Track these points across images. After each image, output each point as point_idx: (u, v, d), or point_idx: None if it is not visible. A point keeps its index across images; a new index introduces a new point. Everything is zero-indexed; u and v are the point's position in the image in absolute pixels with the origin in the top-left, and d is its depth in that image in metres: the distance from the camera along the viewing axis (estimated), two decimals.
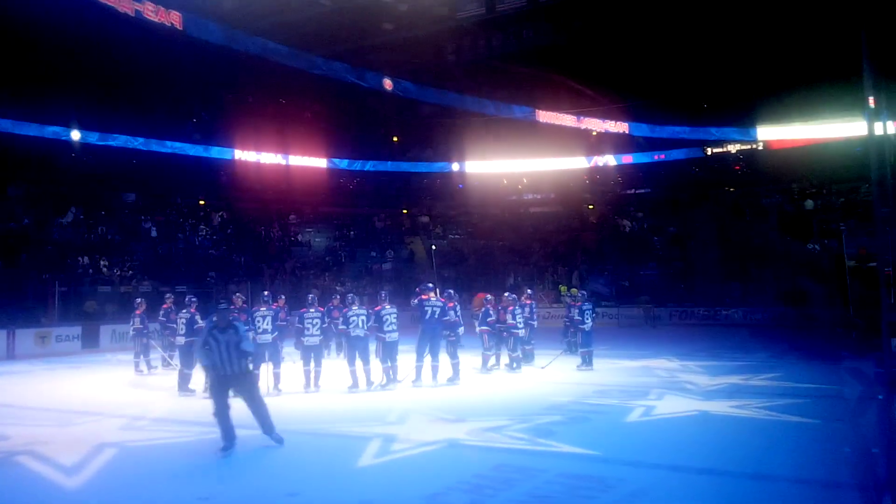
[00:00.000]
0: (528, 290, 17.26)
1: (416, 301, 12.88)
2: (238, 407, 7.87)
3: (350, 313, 12.08)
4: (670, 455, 7.66)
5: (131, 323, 15.48)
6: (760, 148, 37.41)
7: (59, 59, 28.09)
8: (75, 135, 31.30)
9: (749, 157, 38.61)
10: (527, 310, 15.63)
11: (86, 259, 27.23)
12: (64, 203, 30.78)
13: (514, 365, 14.42)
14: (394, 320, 12.27)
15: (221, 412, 7.65)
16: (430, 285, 13.12)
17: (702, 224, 35.09)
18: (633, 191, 41.79)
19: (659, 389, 11.96)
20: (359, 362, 12.01)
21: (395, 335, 12.24)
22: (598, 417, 9.67)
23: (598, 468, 7.03)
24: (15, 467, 7.30)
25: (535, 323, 16.34)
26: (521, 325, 14.48)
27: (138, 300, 15.99)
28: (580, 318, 14.94)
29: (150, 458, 7.82)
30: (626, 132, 35.59)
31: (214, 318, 7.96)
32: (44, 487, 6.63)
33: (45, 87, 29.84)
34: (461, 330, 13.47)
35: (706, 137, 36.64)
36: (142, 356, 15.38)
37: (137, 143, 32.99)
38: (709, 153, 39.02)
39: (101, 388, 13.33)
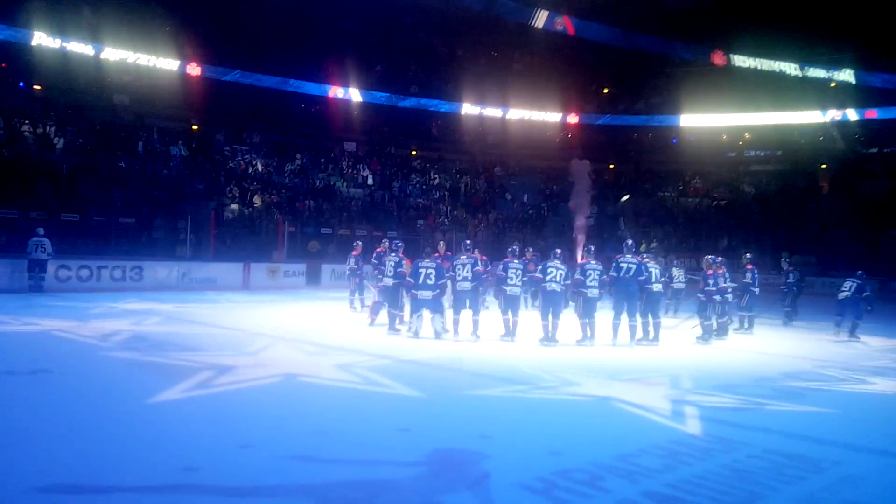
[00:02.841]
0: (748, 255, 16.08)
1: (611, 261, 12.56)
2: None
3: (548, 265, 12.08)
4: (891, 440, 6.94)
5: (347, 263, 16.73)
6: None
7: (291, 17, 30.52)
8: (307, 87, 33.98)
9: None
10: (748, 275, 14.77)
11: (311, 203, 29.69)
12: (293, 150, 33.70)
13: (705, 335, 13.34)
14: (596, 276, 12.07)
15: None
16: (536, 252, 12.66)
17: None
18: (876, 149, 37.12)
19: (886, 369, 10.82)
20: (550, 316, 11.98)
21: (595, 291, 12.06)
22: (813, 393, 8.90)
23: (808, 447, 6.48)
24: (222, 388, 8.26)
25: (757, 290, 15.28)
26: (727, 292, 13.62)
27: (356, 242, 17.17)
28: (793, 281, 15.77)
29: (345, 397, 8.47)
30: (853, 81, 31.43)
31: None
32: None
33: (281, 44, 32.63)
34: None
35: None
36: (356, 294, 16.56)
37: (358, 94, 35.08)
38: None
39: (320, 321, 14.57)
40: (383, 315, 13.30)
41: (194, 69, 31.46)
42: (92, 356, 9.61)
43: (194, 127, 33.00)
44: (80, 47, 29.03)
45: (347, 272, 16.88)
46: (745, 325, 14.97)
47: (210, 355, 9.76)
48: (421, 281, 11.92)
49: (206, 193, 27.52)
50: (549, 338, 11.84)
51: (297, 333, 12.53)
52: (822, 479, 5.62)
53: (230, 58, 32.27)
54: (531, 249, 14.78)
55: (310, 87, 34.52)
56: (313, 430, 6.38)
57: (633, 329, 12.33)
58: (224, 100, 33.08)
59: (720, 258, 14.33)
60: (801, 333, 15.46)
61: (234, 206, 27.44)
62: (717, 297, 13.37)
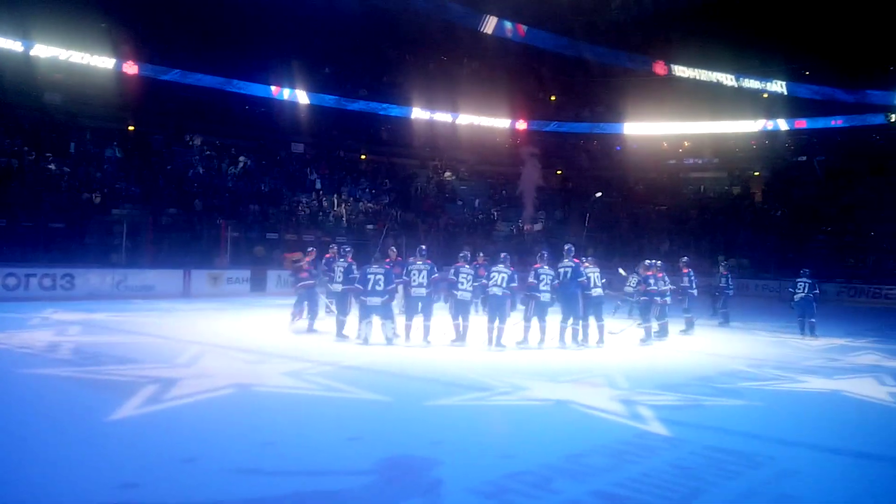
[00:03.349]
0: (685, 259, 16.56)
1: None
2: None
3: (492, 270, 12.23)
4: (823, 435, 7.25)
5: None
6: None
7: (235, 16, 30.08)
8: (250, 88, 33.46)
9: None
10: (685, 279, 15.24)
11: (255, 207, 29.25)
12: (236, 153, 33.14)
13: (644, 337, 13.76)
14: (549, 281, 12.25)
15: None
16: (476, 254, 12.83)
17: (879, 196, 32.03)
18: (805, 158, 38.71)
19: (817, 367, 11.28)
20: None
21: (547, 295, 12.23)
22: (750, 392, 9.23)
23: (746, 443, 6.73)
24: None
25: (695, 292, 15.80)
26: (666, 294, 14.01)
27: (310, 249, 16.75)
28: (724, 285, 16.75)
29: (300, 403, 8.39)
30: (784, 92, 32.85)
31: None
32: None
33: (224, 43, 32.08)
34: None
35: (872, 102, 33.08)
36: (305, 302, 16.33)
37: (305, 96, 34.73)
38: (893, 120, 35.21)
39: (265, 330, 14.35)
40: (320, 321, 13.24)
41: (131, 67, 30.60)
42: (22, 371, 9.10)
43: (130, 128, 32.06)
44: (8, 44, 27.88)
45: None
46: (685, 327, 15.40)
47: (151, 368, 9.45)
48: (370, 287, 11.86)
49: (143, 197, 26.77)
50: (494, 342, 11.95)
51: (242, 342, 12.29)
52: (759, 473, 5.85)
53: (170, 56, 31.52)
54: (482, 254, 14.91)
55: (254, 88, 34.01)
56: (260, 442, 6.26)
57: (574, 331, 12.54)
58: (163, 100, 32.26)
59: (659, 262, 14.72)
60: (738, 334, 15.96)
61: (174, 211, 26.77)
62: (658, 300, 13.73)
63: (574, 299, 12.44)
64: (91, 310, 16.25)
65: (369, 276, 11.89)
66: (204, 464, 5.62)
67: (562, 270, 12.49)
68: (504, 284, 12.04)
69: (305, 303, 13.86)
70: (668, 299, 14.08)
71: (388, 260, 13.19)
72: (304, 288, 13.83)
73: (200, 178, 30.23)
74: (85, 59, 29.36)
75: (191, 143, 32.64)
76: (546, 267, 12.43)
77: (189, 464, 5.60)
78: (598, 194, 33.35)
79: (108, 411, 7.00)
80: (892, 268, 28.29)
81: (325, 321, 14.34)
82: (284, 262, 13.91)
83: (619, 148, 42.19)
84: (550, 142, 42.10)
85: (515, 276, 12.26)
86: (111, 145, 29.48)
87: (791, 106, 35.95)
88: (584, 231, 24.46)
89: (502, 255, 12.88)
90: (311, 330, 13.48)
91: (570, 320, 12.48)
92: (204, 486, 5.13)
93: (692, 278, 15.60)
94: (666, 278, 14.32)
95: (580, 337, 12.56)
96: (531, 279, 12.34)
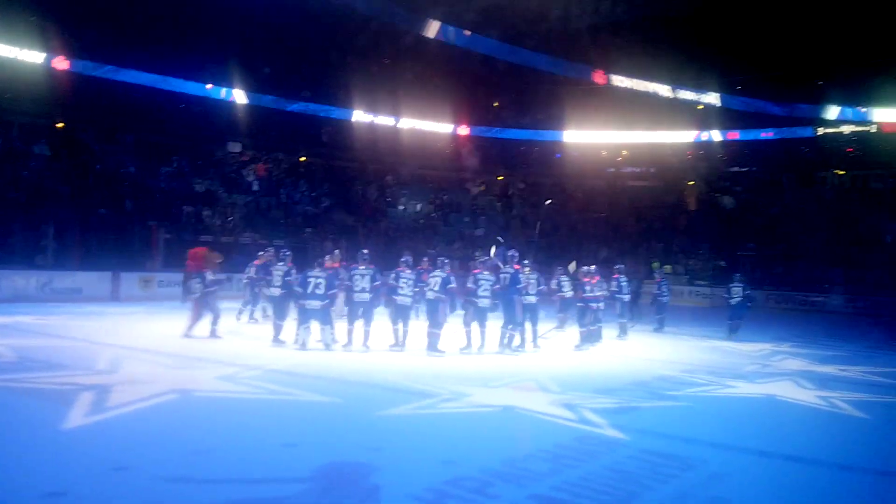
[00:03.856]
0: (618, 266, 16.88)
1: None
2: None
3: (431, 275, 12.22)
4: (753, 439, 7.45)
5: (247, 272, 16.06)
6: (874, 130, 35.00)
7: (171, 13, 29.32)
8: (185, 86, 32.67)
9: (862, 140, 36.22)
10: (614, 284, 15.49)
11: (189, 208, 28.50)
12: (170, 152, 32.26)
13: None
14: (488, 286, 12.27)
15: None
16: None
17: (807, 206, 33.43)
18: (736, 168, 40.11)
19: (748, 372, 11.63)
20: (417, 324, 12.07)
21: (486, 301, 12.27)
22: (683, 396, 9.45)
23: (680, 447, 6.89)
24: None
25: (627, 297, 16.08)
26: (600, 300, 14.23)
27: (260, 252, 16.29)
28: (658, 292, 17.36)
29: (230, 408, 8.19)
30: (718, 104, 34.04)
31: None
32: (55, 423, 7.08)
33: (159, 40, 31.23)
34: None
35: (801, 115, 34.61)
36: (249, 305, 15.97)
37: (241, 96, 34.10)
38: (820, 133, 36.79)
39: (199, 335, 13.87)
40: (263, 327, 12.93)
41: (62, 63, 29.42)
42: None
43: (60, 125, 30.86)
44: None
45: (245, 281, 16.21)
46: (619, 332, 15.66)
47: (82, 374, 9.11)
48: (309, 291, 11.69)
49: (72, 196, 25.77)
50: (433, 347, 11.93)
51: (175, 347, 11.89)
52: (693, 476, 5.98)
53: (103, 52, 30.43)
54: (427, 259, 14.86)
55: (190, 87, 33.14)
56: (194, 450, 6.10)
57: (511, 336, 12.63)
58: (94, 97, 31.10)
59: (594, 267, 15.01)
60: (672, 340, 16.34)
61: (104, 211, 25.83)
62: (594, 305, 13.94)
63: (512, 305, 12.52)
64: (15, 313, 15.50)
65: (310, 280, 11.71)
66: (135, 472, 5.45)
67: (502, 276, 12.58)
68: (438, 288, 12.04)
69: (204, 310, 12.99)
70: (601, 305, 14.28)
71: (329, 264, 13.05)
72: (209, 294, 12.97)
73: (132, 177, 29.30)
74: (13, 53, 28.13)
75: (123, 141, 31.62)
76: (486, 273, 12.48)
77: (120, 472, 5.43)
78: (548, 202, 33.78)
79: (38, 421, 6.74)
80: (818, 276, 29.45)
81: (260, 327, 14.06)
82: (200, 263, 13.28)
83: (559, 155, 42.80)
84: (492, 148, 42.43)
85: (452, 279, 12.26)
86: (39, 142, 28.30)
87: (724, 118, 37.12)
88: (536, 236, 24.80)
89: (439, 259, 12.94)
90: (213, 335, 12.87)
91: (510, 326, 12.56)
92: (133, 494, 4.96)
93: (622, 284, 15.87)
94: (602, 284, 14.58)
95: (517, 342, 12.65)
96: (470, 284, 12.37)
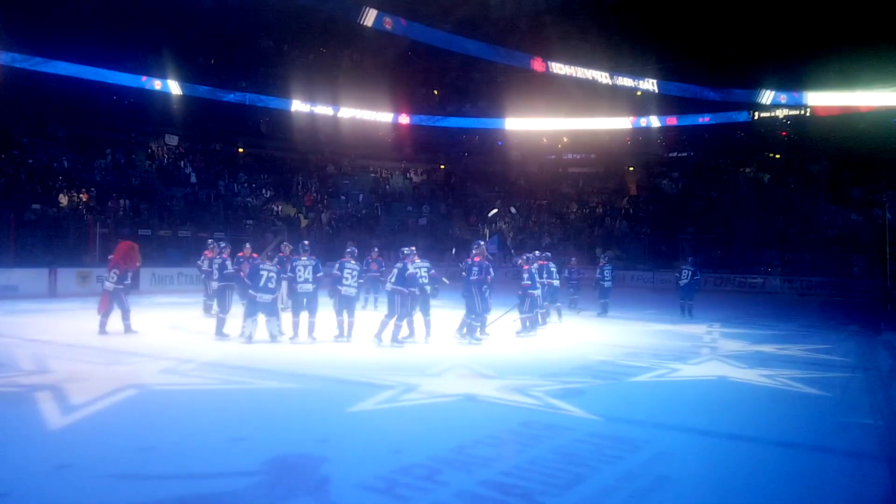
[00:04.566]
0: (536, 253, 16.98)
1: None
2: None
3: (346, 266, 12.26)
4: (697, 419, 7.64)
5: (200, 265, 15.73)
6: (808, 114, 36.28)
7: (102, 2, 28.32)
8: (118, 77, 31.64)
9: (796, 124, 37.51)
10: (544, 272, 15.53)
11: (126, 202, 27.70)
12: (104, 145, 31.26)
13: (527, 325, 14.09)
14: (425, 273, 12.30)
15: None
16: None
17: (743, 189, 34.44)
18: (675, 154, 41.09)
19: (689, 354, 11.92)
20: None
21: (426, 288, 12.29)
22: (627, 379, 9.66)
23: (625, 429, 7.04)
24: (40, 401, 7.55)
25: (557, 282, 16.13)
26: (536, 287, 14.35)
27: (210, 243, 15.88)
28: (601, 276, 17.77)
29: (179, 401, 8.03)
30: (656, 90, 34.72)
31: None
32: (42, 425, 6.88)
33: (90, 30, 30.15)
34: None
35: (737, 100, 35.64)
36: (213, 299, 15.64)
37: (176, 87, 33.22)
38: (756, 117, 37.92)
39: (140, 330, 13.51)
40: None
41: None
42: None
43: None
44: None
45: (203, 276, 15.82)
46: (555, 317, 15.86)
47: (16, 374, 8.84)
48: (262, 284, 11.57)
49: (4, 192, 24.78)
50: (390, 338, 11.92)
51: (116, 343, 11.63)
52: (637, 457, 6.12)
53: (31, 43, 29.24)
54: (377, 249, 14.82)
55: (123, 78, 32.14)
56: (139, 446, 5.97)
57: (462, 324, 12.67)
58: (23, 89, 29.91)
59: (537, 253, 15.22)
60: (616, 324, 16.66)
61: (37, 206, 24.90)
62: (531, 292, 14.05)
63: (469, 293, 12.58)
64: None
65: (262, 273, 11.59)
66: (79, 470, 5.34)
67: (462, 266, 12.63)
68: (391, 279, 12.04)
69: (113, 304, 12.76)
70: (537, 291, 14.34)
71: (281, 255, 13.00)
72: (119, 290, 12.72)
73: (66, 171, 28.29)
74: None
75: (55, 135, 30.46)
76: (419, 260, 12.44)
77: (63, 470, 5.32)
78: (495, 208, 33.94)
79: None
80: (755, 258, 30.42)
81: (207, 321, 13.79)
82: (119, 259, 12.95)
83: (500, 143, 43.06)
84: (433, 136, 42.40)
85: (395, 271, 12.22)
86: None
87: (662, 104, 37.93)
88: (468, 225, 24.86)
89: (375, 248, 13.03)
90: (128, 331, 12.62)
91: (472, 316, 12.59)
92: (78, 492, 4.86)
93: (551, 270, 15.95)
94: (541, 271, 14.74)
95: (476, 332, 12.64)
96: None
